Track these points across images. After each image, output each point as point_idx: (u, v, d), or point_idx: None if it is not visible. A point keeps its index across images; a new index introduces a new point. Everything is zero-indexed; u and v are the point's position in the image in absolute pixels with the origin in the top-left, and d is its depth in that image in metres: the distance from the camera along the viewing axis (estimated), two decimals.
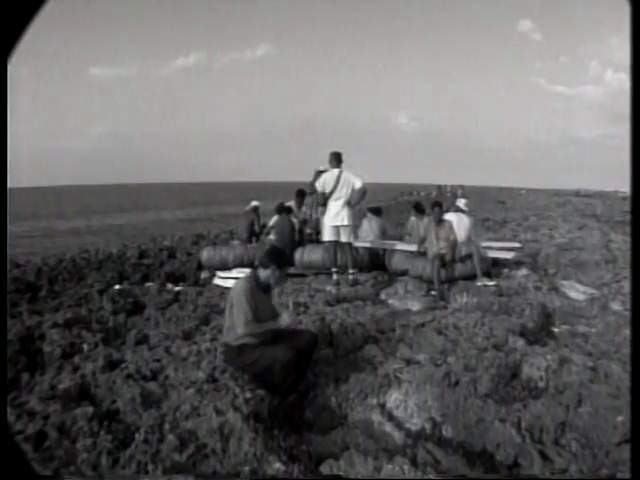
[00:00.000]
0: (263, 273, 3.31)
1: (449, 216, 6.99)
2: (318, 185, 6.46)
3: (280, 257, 3.36)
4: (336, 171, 6.40)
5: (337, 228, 6.48)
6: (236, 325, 3.20)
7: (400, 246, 7.56)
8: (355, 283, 6.48)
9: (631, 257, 1.76)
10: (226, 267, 7.60)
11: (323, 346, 4.10)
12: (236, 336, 3.24)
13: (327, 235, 6.59)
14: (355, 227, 7.20)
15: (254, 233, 8.97)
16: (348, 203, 6.42)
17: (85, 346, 4.36)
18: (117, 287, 7.23)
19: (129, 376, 3.42)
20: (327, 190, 6.40)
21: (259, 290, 3.27)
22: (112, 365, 3.70)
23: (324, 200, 6.51)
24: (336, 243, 6.57)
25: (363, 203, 7.01)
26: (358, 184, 6.36)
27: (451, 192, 39.24)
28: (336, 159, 6.48)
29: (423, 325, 4.58)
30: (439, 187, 44.33)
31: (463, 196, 33.60)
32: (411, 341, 4.16)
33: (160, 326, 5.09)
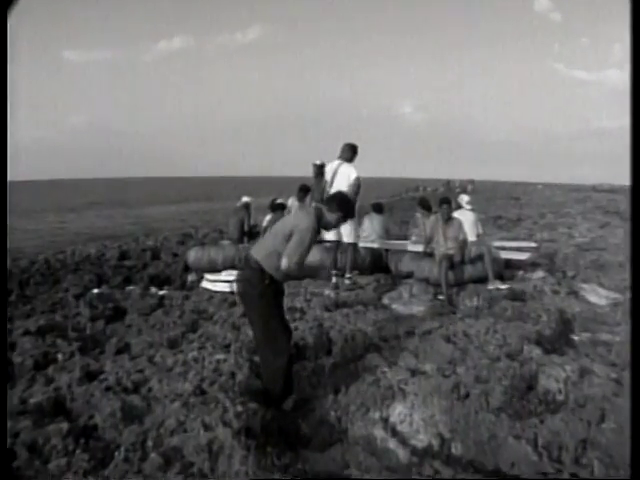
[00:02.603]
0: (328, 216, 3.29)
1: (456, 214, 6.99)
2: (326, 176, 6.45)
3: (350, 207, 3.39)
4: (336, 163, 6.39)
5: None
6: (287, 255, 3.07)
7: (404, 246, 7.55)
8: (355, 287, 6.47)
9: (631, 257, 1.76)
10: (215, 269, 7.59)
11: (321, 355, 4.10)
12: (271, 262, 3.15)
13: (329, 235, 6.60)
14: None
15: (245, 232, 8.96)
16: None
17: (60, 356, 4.35)
18: (95, 291, 7.21)
19: (108, 388, 3.41)
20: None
21: (318, 230, 3.25)
22: (90, 376, 3.69)
23: (320, 196, 6.49)
24: (337, 244, 6.56)
25: (364, 199, 6.98)
26: (353, 175, 6.31)
27: (460, 187, 39.29)
28: (351, 151, 6.43)
29: (430, 332, 4.57)
30: (447, 182, 44.39)
31: (473, 192, 33.71)
32: (417, 350, 4.16)
33: (143, 333, 5.08)
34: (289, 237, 3.11)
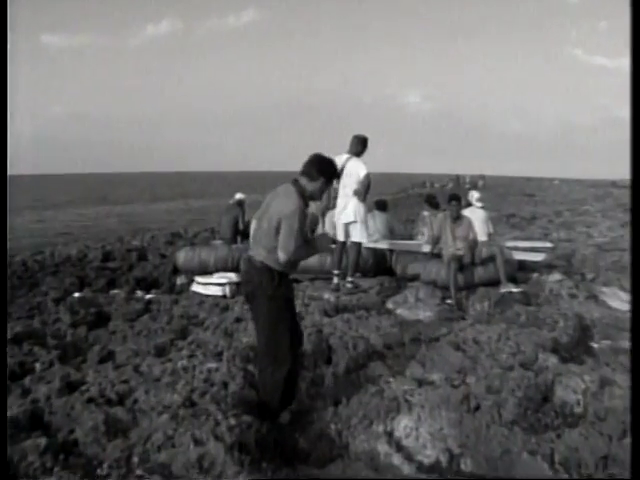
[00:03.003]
0: (310, 186, 3.23)
1: (466, 212, 6.99)
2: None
3: (330, 168, 3.30)
4: (344, 157, 6.38)
5: (345, 226, 6.46)
6: (281, 249, 3.10)
7: (410, 247, 7.55)
8: (357, 290, 6.46)
9: (631, 257, 1.78)
10: (206, 271, 7.58)
11: (320, 364, 4.09)
12: (274, 259, 3.16)
13: (339, 234, 6.60)
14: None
15: (239, 231, 8.96)
16: (355, 195, 6.38)
17: (38, 365, 4.34)
18: (77, 295, 7.20)
19: (90, 400, 3.40)
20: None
21: (304, 204, 3.21)
22: (70, 387, 3.68)
23: (320, 193, 6.50)
24: (343, 244, 6.55)
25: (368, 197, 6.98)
26: (362, 172, 6.31)
27: (470, 183, 39.32)
28: (360, 145, 6.43)
29: (437, 339, 4.57)
30: (456, 177, 44.44)
31: (484, 188, 33.73)
32: (423, 358, 4.16)
33: (128, 341, 5.07)
34: (278, 228, 3.12)
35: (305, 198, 3.21)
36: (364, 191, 6.33)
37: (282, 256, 3.10)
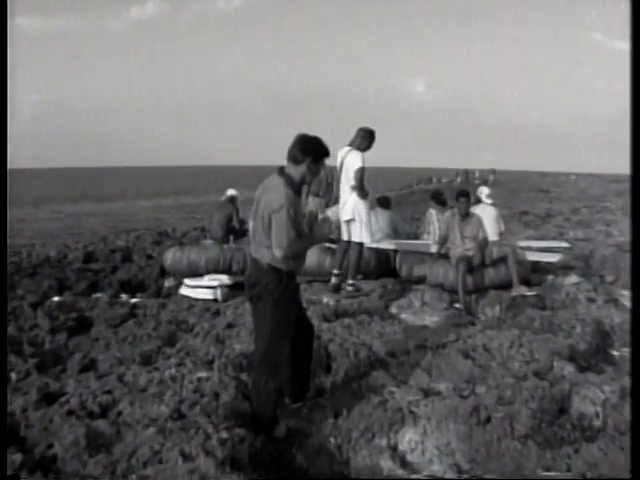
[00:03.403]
0: (296, 171, 3.21)
1: (475, 209, 7.00)
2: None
3: (314, 146, 3.24)
4: (344, 150, 6.38)
5: (348, 224, 6.45)
6: (275, 246, 3.13)
7: (415, 247, 7.55)
8: (358, 294, 6.46)
9: (631, 256, 1.80)
10: (196, 273, 7.58)
11: (319, 372, 4.09)
12: (272, 257, 3.18)
13: (343, 233, 6.60)
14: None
15: (232, 230, 8.95)
16: (354, 189, 6.36)
17: (13, 375, 4.33)
18: (56, 299, 7.19)
19: (71, 413, 3.39)
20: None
21: (295, 193, 3.20)
22: (49, 399, 3.68)
23: (319, 189, 6.50)
24: (347, 243, 6.55)
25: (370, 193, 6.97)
26: (356, 165, 6.29)
27: (480, 178, 39.32)
28: (364, 138, 6.41)
29: (445, 346, 4.58)
30: (465, 172, 44.42)
31: (495, 183, 33.74)
32: (430, 366, 4.16)
33: (111, 348, 5.07)
34: (270, 225, 3.14)
35: (295, 186, 3.20)
36: (359, 186, 6.31)
37: (278, 253, 3.12)
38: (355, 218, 6.39)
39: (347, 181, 6.35)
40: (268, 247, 3.18)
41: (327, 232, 3.21)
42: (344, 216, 6.40)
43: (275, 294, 3.19)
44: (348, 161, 6.33)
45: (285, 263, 3.19)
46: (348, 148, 6.39)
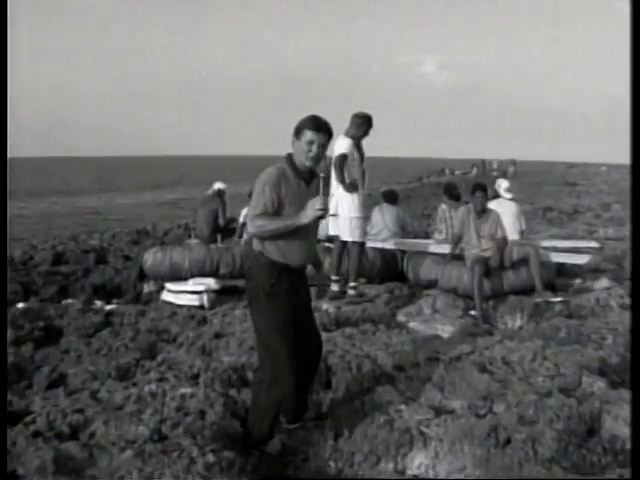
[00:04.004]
0: (296, 148, 3.23)
1: (493, 205, 7.00)
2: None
3: (315, 119, 3.23)
4: (339, 138, 6.43)
5: (335, 219, 6.49)
6: (249, 218, 3.20)
7: (426, 247, 7.55)
8: (362, 299, 6.47)
9: (631, 257, 1.84)
10: (180, 276, 7.57)
11: (317, 388, 4.09)
12: (273, 247, 3.20)
13: (331, 230, 6.63)
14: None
15: (219, 228, 8.95)
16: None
17: None
18: (21, 306, 7.17)
19: (37, 434, 3.38)
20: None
21: (297, 178, 3.21)
22: (12, 419, 3.66)
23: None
24: (344, 244, 6.57)
25: (372, 186, 6.98)
26: (337, 151, 6.39)
27: (498, 170, 39.38)
28: (362, 125, 6.49)
29: (459, 358, 4.58)
30: (482, 163, 44.53)
31: (515, 175, 33.72)
32: (442, 381, 4.16)
33: (84, 361, 5.05)
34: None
35: (293, 165, 3.21)
36: (338, 176, 6.38)
37: (249, 226, 3.17)
38: (338, 213, 6.46)
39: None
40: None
41: (314, 213, 3.12)
42: (330, 211, 6.39)
43: (267, 288, 3.19)
44: (335, 149, 6.39)
45: (274, 252, 3.17)
46: (341, 136, 6.43)
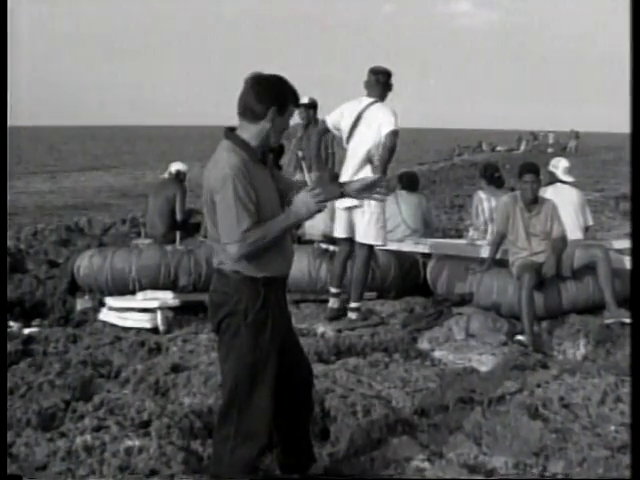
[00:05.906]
0: (253, 131, 3.21)
1: (547, 192, 7.00)
2: (329, 121, 6.58)
3: (281, 89, 3.24)
4: (363, 102, 6.41)
5: (350, 213, 6.36)
6: (226, 238, 3.11)
7: (457, 249, 7.56)
8: (371, 321, 6.48)
9: (631, 256, 1.96)
10: (125, 289, 7.56)
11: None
12: (229, 259, 3.18)
13: (337, 228, 6.58)
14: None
15: (177, 224, 8.92)
16: (370, 163, 6.29)
17: None
18: None
19: None
20: (341, 134, 6.44)
21: (254, 162, 3.20)
22: None
23: (315, 154, 6.52)
24: (351, 244, 6.51)
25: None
26: (388, 127, 6.26)
27: (554, 145, 39.42)
28: (384, 84, 6.47)
29: (501, 400, 4.60)
30: (532, 135, 44.59)
31: (578, 152, 33.66)
32: (479, 431, 4.18)
33: None
34: (214, 208, 3.15)
35: (250, 150, 3.20)
36: (388, 159, 6.25)
37: (231, 249, 3.09)
38: (362, 205, 6.26)
39: (363, 147, 6.35)
40: (225, 249, 3.17)
41: (310, 207, 3.11)
42: (345, 201, 5.91)
43: (250, 317, 3.16)
44: (371, 119, 6.35)
45: (253, 266, 3.15)
46: (368, 100, 6.41)
